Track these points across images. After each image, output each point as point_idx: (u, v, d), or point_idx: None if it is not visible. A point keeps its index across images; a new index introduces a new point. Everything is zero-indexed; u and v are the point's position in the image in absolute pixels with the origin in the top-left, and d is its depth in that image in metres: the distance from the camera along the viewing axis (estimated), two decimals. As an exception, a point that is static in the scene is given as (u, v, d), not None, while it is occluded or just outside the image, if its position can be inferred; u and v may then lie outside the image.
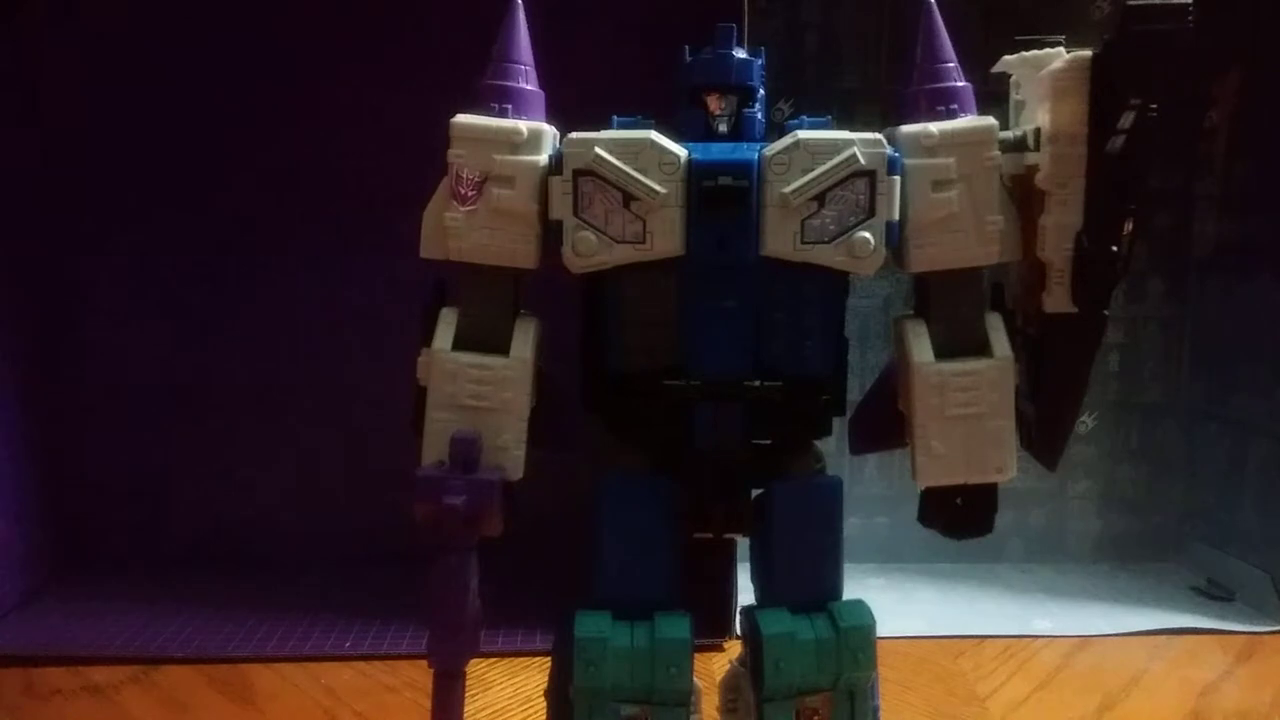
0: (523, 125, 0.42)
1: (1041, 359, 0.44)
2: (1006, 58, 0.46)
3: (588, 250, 0.41)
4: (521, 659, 0.74)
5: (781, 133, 0.42)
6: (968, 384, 0.42)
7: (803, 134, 0.41)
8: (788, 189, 0.41)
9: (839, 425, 0.45)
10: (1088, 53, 0.40)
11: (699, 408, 0.43)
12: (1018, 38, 0.45)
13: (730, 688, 0.49)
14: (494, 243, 0.42)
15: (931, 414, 0.42)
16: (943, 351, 0.42)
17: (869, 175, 0.41)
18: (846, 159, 0.41)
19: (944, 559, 0.95)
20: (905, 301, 0.90)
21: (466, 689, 0.43)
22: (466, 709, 0.43)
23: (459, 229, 0.42)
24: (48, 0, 0.87)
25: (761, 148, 0.42)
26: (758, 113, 0.44)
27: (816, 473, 0.45)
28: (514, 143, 0.42)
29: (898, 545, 0.95)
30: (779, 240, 0.41)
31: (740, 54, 0.43)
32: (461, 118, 0.42)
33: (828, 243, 0.41)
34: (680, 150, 0.41)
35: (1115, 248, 0.41)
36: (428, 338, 0.43)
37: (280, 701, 0.69)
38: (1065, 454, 0.45)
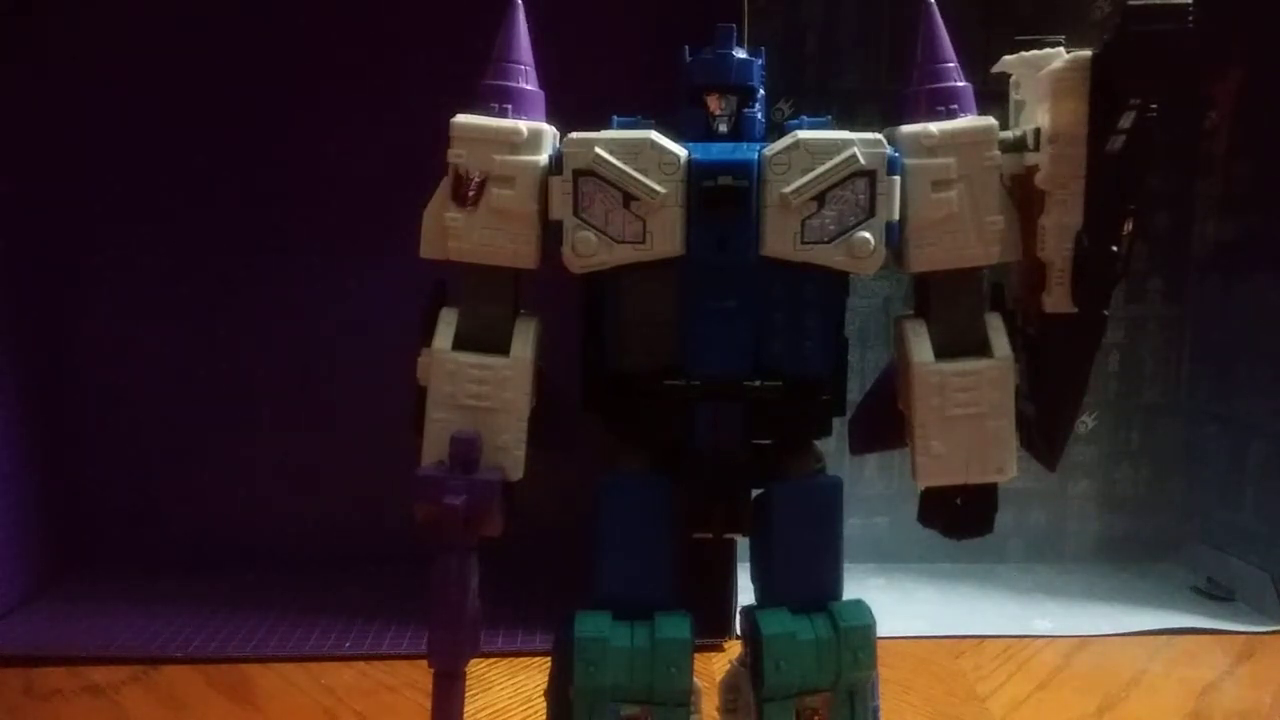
0: (523, 125, 0.42)
1: (1041, 359, 0.44)
2: (1006, 58, 0.46)
3: (588, 250, 0.41)
4: (521, 659, 0.74)
5: (781, 133, 0.42)
6: (968, 384, 0.42)
7: (803, 134, 0.41)
8: (788, 189, 0.41)
9: (839, 425, 0.45)
10: (1088, 53, 0.40)
11: (699, 408, 0.43)
12: (1018, 38, 0.45)
13: (730, 688, 0.49)
14: (494, 243, 0.42)
15: (931, 414, 0.42)
16: (943, 351, 0.42)
17: (869, 175, 0.41)
18: (846, 159, 0.41)
19: (944, 559, 0.95)
20: (905, 301, 0.90)
21: (466, 689, 0.43)
22: (466, 709, 0.43)
23: (459, 229, 0.42)
24: (50, 0, 0.87)
25: (761, 148, 0.42)
26: (758, 113, 0.44)
27: (816, 473, 0.45)
28: (514, 143, 0.42)
29: (898, 545, 0.95)
30: (779, 240, 0.41)
31: (740, 54, 0.43)
32: (461, 118, 0.42)
33: (828, 243, 0.41)
34: (680, 150, 0.41)
35: (1115, 248, 0.41)
36: (428, 338, 0.43)
37: (280, 701, 0.69)
38: (1065, 454, 0.45)
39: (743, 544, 0.47)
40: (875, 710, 0.45)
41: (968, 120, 0.42)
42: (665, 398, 0.43)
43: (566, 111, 0.44)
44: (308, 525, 0.93)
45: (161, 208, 0.91)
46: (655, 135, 0.41)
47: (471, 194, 0.42)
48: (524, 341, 0.43)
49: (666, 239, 0.41)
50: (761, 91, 0.44)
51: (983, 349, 0.43)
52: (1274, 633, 0.82)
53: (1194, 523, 0.97)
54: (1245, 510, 0.90)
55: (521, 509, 0.43)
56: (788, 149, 0.41)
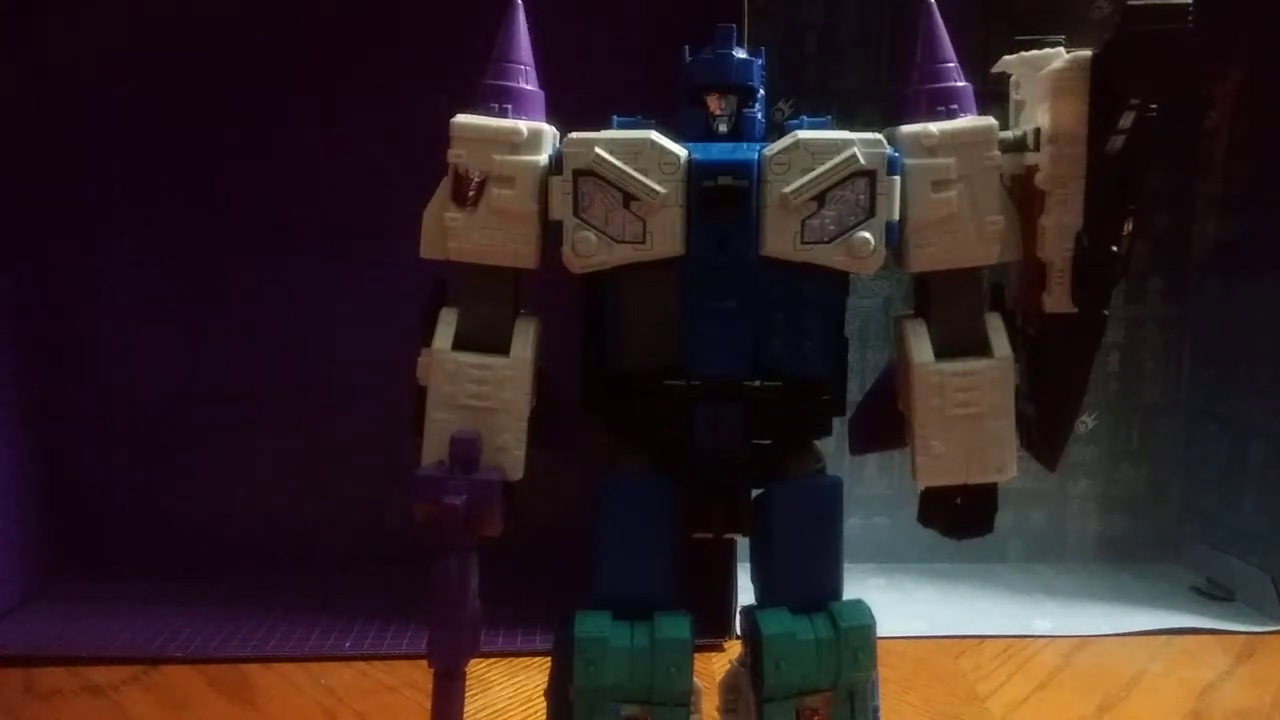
0: (523, 125, 0.42)
1: (1041, 359, 0.44)
2: (1006, 58, 0.46)
3: (588, 250, 0.41)
4: (521, 659, 0.74)
5: (781, 133, 0.42)
6: (968, 384, 0.42)
7: (803, 134, 0.41)
8: (788, 189, 0.41)
9: (839, 425, 0.45)
10: (1088, 53, 0.40)
11: (699, 408, 0.43)
12: (1018, 38, 0.45)
13: (730, 688, 0.49)
14: (494, 243, 0.42)
15: (931, 414, 0.42)
16: (943, 351, 0.42)
17: (869, 175, 0.41)
18: (846, 159, 0.41)
19: (944, 559, 0.95)
20: (905, 301, 0.90)
21: (466, 689, 0.43)
22: (466, 709, 0.43)
23: (459, 229, 0.42)
24: (50, 0, 0.87)
25: (761, 148, 0.42)
26: (758, 113, 0.44)
27: (816, 473, 0.45)
28: (514, 143, 0.42)
29: (898, 545, 0.95)
30: (779, 240, 0.41)
31: (740, 54, 0.43)
32: (461, 118, 0.42)
33: (828, 243, 0.41)
34: (680, 150, 0.41)
35: (1115, 248, 0.41)
36: (428, 338, 0.43)
37: (280, 701, 0.69)
38: (1065, 454, 0.45)
39: (743, 544, 0.47)
40: (875, 710, 0.45)
41: (968, 120, 0.42)
42: (665, 398, 0.43)
43: (566, 111, 0.44)
44: (308, 525, 0.93)
45: (161, 208, 0.91)
46: (655, 135, 0.41)
47: (471, 194, 0.42)
48: (524, 341, 0.43)
49: (666, 239, 0.41)
50: (761, 91, 0.44)
51: (983, 349, 0.43)
52: (1274, 633, 0.82)
53: (1194, 523, 0.97)
54: (1245, 510, 0.90)
55: (521, 509, 0.43)
56: (788, 149, 0.41)
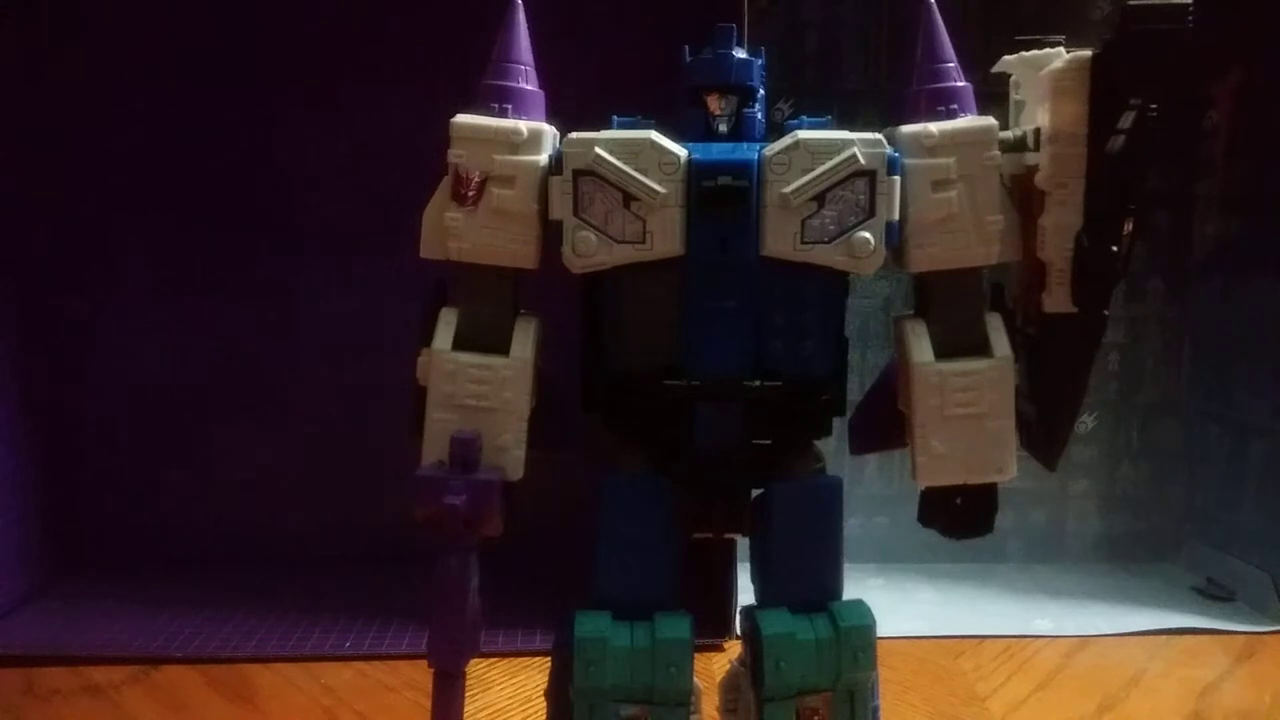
0: (523, 125, 0.42)
1: (1041, 359, 0.44)
2: (1006, 58, 0.46)
3: (588, 250, 0.41)
4: (521, 659, 0.74)
5: (781, 133, 0.42)
6: (968, 384, 0.42)
7: (803, 134, 0.41)
8: (788, 189, 0.41)
9: (839, 425, 0.45)
10: (1088, 53, 0.40)
11: (699, 408, 0.43)
12: (1018, 38, 0.45)
13: (730, 688, 0.49)
14: (494, 243, 0.42)
15: (931, 414, 0.42)
16: (943, 351, 0.42)
17: (869, 175, 0.41)
18: (846, 159, 0.41)
19: (944, 559, 0.95)
20: (905, 301, 0.90)
21: (466, 689, 0.43)
22: (466, 709, 0.43)
23: (459, 229, 0.42)
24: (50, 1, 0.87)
25: (761, 148, 0.42)
26: (758, 113, 0.44)
27: (816, 473, 0.45)
28: (514, 143, 0.42)
29: (898, 545, 0.95)
30: (779, 240, 0.41)
31: (740, 54, 0.43)
32: (461, 118, 0.42)
33: (828, 243, 0.41)
34: (680, 150, 0.41)
35: (1115, 248, 0.41)
36: (427, 338, 0.43)
37: (280, 701, 0.69)
38: (1065, 454, 0.45)
39: (743, 544, 0.47)
40: (875, 710, 0.45)
41: (968, 120, 0.42)
42: (665, 398, 0.43)
43: (566, 111, 0.44)
44: (307, 525, 0.93)
45: (162, 208, 0.91)
46: (655, 135, 0.41)
47: (471, 194, 0.42)
48: (524, 341, 0.43)
49: (667, 239, 0.41)
50: (761, 91, 0.44)
51: (983, 349, 0.43)
52: (1274, 633, 0.82)
53: (1194, 523, 0.97)
54: (1245, 510, 0.90)
55: (521, 509, 0.43)
56: (788, 149, 0.41)
